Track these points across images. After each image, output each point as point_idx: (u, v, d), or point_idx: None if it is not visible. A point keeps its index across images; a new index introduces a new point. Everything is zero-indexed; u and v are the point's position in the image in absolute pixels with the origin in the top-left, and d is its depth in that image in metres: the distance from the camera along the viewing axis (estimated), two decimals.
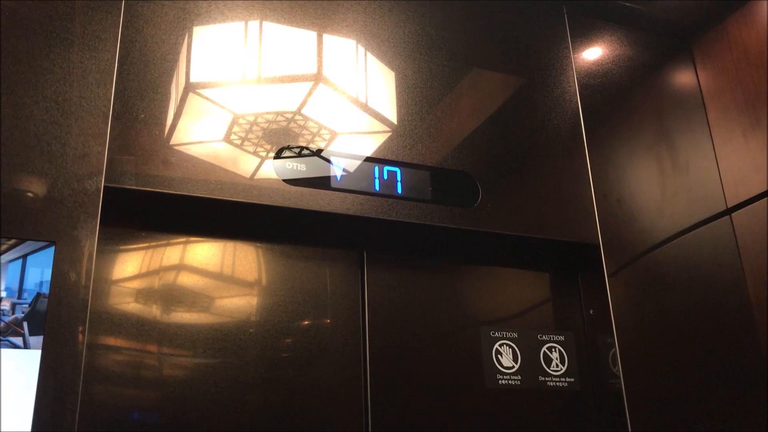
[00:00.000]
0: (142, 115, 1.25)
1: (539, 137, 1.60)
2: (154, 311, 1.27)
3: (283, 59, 1.42)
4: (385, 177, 1.41)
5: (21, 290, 1.04)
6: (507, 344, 1.51)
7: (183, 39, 1.35)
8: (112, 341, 1.23)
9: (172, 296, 1.30)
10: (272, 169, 1.32)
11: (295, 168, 1.34)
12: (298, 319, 1.37)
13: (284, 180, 1.32)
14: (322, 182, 1.35)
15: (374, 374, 1.38)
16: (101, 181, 1.14)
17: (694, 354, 1.53)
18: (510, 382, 1.48)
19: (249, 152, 1.32)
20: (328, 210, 1.33)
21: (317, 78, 1.44)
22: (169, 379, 1.25)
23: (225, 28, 1.40)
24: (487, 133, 1.55)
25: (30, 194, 1.09)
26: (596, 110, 1.68)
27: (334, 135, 1.41)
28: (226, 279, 1.35)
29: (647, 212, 1.62)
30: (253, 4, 1.44)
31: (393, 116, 1.48)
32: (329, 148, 1.39)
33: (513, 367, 1.50)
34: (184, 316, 1.29)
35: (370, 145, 1.44)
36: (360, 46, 1.51)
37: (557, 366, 1.54)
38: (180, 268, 1.33)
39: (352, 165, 1.39)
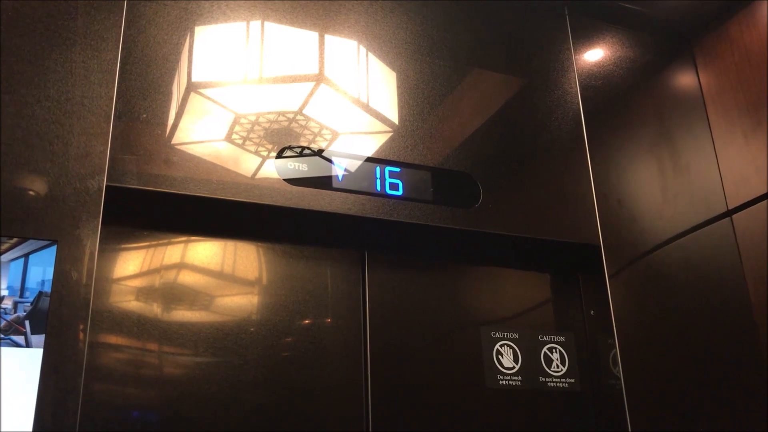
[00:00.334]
0: (144, 115, 1.26)
1: (540, 138, 1.60)
2: (156, 310, 1.27)
3: (285, 59, 1.43)
4: (387, 177, 1.41)
5: (23, 289, 1.04)
6: (507, 345, 1.52)
7: (185, 39, 1.35)
8: (113, 340, 1.23)
9: (173, 295, 1.30)
10: (274, 169, 1.32)
11: (296, 168, 1.34)
12: (299, 319, 1.38)
13: (286, 180, 1.32)
14: (324, 182, 1.35)
15: (375, 374, 1.38)
16: (103, 180, 1.14)
17: (694, 355, 1.53)
18: (510, 382, 1.48)
19: (250, 152, 1.32)
20: (329, 210, 1.33)
21: (319, 78, 1.44)
22: (170, 377, 1.25)
23: (227, 29, 1.40)
24: (489, 133, 1.55)
25: (32, 193, 1.09)
26: (597, 111, 1.68)
27: (335, 135, 1.41)
28: (227, 278, 1.36)
29: (648, 213, 1.62)
30: (255, 4, 1.44)
31: (394, 117, 1.48)
32: (331, 148, 1.39)
33: (513, 367, 1.50)
34: (185, 315, 1.29)
35: (372, 146, 1.44)
36: (361, 47, 1.51)
37: (558, 367, 1.54)
38: (181, 267, 1.33)
39: (354, 165, 1.40)
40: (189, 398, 1.24)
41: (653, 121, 1.73)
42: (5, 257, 1.05)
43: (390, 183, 1.41)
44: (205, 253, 1.36)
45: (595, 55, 1.76)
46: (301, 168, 1.34)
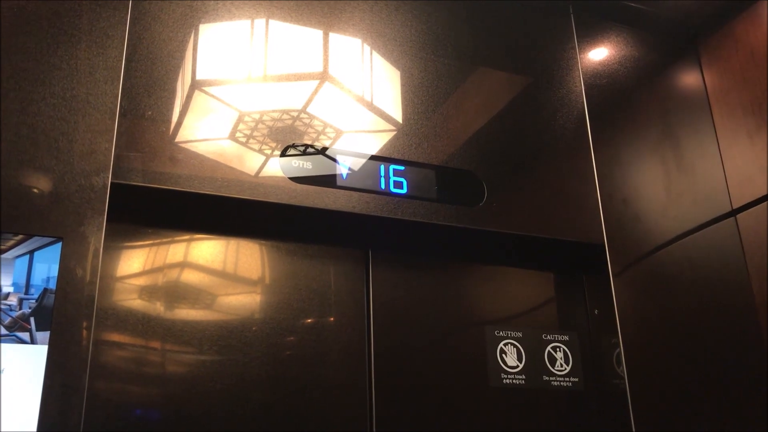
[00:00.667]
0: (149, 112, 1.26)
1: (545, 137, 1.60)
2: (160, 308, 1.28)
3: (289, 57, 1.43)
4: (391, 175, 1.41)
5: (28, 286, 1.04)
6: (511, 343, 1.51)
7: (190, 36, 1.35)
8: (117, 337, 1.23)
9: (177, 293, 1.30)
10: (278, 167, 1.32)
11: (301, 166, 1.34)
12: (302, 317, 1.37)
13: (290, 178, 1.32)
14: (328, 180, 1.35)
15: (379, 372, 1.38)
16: (108, 177, 1.14)
17: (698, 355, 1.53)
18: (514, 381, 1.48)
19: (254, 150, 1.32)
20: (333, 208, 1.33)
21: (323, 76, 1.44)
22: (174, 375, 1.25)
23: (232, 26, 1.40)
24: (493, 132, 1.55)
25: (37, 190, 1.09)
26: (602, 110, 1.68)
27: (339, 133, 1.41)
28: (231, 276, 1.36)
29: (652, 212, 1.62)
30: (260, 2, 1.44)
31: (399, 115, 1.48)
32: (335, 147, 1.39)
33: (517, 366, 1.50)
34: (189, 313, 1.29)
35: (376, 144, 1.44)
36: (366, 45, 1.51)
37: (561, 366, 1.54)
38: (186, 265, 1.33)
39: (358, 163, 1.39)
40: (193, 396, 1.24)
41: (658, 121, 1.72)
42: (10, 254, 1.05)
43: (394, 181, 1.40)
44: (209, 250, 1.36)
45: (599, 54, 1.76)
46: (305, 166, 1.34)
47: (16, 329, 1.01)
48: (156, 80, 1.28)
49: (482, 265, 1.58)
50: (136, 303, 1.26)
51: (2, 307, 1.02)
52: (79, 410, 1.00)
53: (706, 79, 1.81)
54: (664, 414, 1.45)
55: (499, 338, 1.51)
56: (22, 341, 1.01)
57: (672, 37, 1.86)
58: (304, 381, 1.33)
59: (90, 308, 1.06)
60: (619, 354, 1.47)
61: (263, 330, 1.33)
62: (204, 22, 1.37)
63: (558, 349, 1.55)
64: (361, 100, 1.46)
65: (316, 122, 1.40)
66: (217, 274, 1.35)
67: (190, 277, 1.33)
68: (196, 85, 1.33)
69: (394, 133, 1.46)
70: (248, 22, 1.42)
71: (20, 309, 1.03)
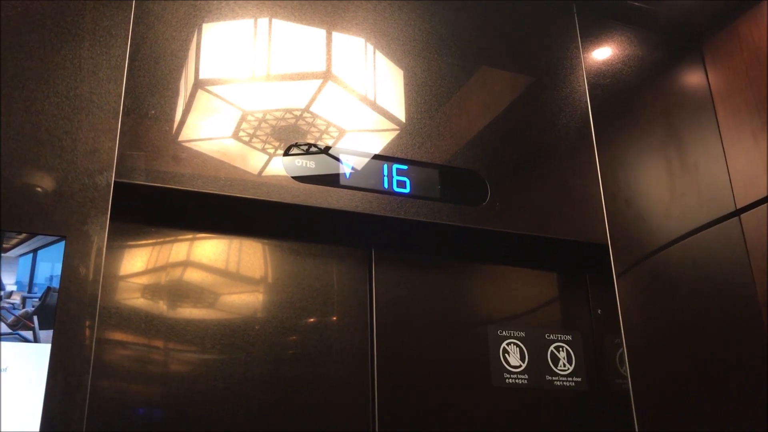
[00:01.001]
0: (153, 112, 1.26)
1: (548, 136, 1.60)
2: (163, 307, 1.28)
3: (292, 57, 1.43)
4: (394, 175, 1.41)
5: (31, 284, 1.04)
6: (514, 343, 1.51)
7: (193, 36, 1.35)
8: (120, 336, 1.23)
9: (180, 292, 1.30)
10: (281, 166, 1.32)
11: (304, 165, 1.34)
12: (305, 317, 1.38)
13: (293, 177, 1.32)
14: (331, 179, 1.35)
15: (381, 371, 1.38)
16: (111, 176, 1.15)
17: (701, 355, 1.52)
18: (517, 381, 1.48)
19: (257, 149, 1.33)
20: (336, 207, 1.33)
21: (326, 76, 1.44)
22: (176, 374, 1.25)
23: (235, 26, 1.40)
24: (496, 131, 1.55)
25: (41, 189, 1.10)
26: (605, 110, 1.68)
27: (342, 133, 1.41)
28: (234, 275, 1.36)
29: (656, 212, 1.61)
30: (263, 2, 1.44)
31: (402, 114, 1.48)
32: (338, 146, 1.39)
33: (520, 366, 1.50)
34: (192, 312, 1.30)
35: (379, 143, 1.44)
36: (369, 44, 1.51)
37: (564, 365, 1.54)
38: (189, 264, 1.33)
39: (361, 163, 1.39)
40: (195, 395, 1.24)
41: (661, 120, 1.72)
42: (14, 252, 1.05)
43: (397, 180, 1.40)
44: (212, 250, 1.36)
45: (603, 54, 1.75)
46: (308, 165, 1.34)
47: (19, 328, 1.02)
48: (159, 79, 1.28)
49: (485, 265, 1.58)
50: (139, 302, 1.27)
51: (6, 305, 1.02)
52: (81, 408, 1.01)
53: (710, 79, 1.80)
54: (666, 414, 1.45)
55: (502, 338, 1.51)
56: (26, 340, 1.01)
57: (676, 36, 1.86)
58: (307, 380, 1.33)
59: (93, 307, 1.06)
60: (622, 354, 1.47)
61: (266, 329, 1.33)
62: (207, 22, 1.37)
63: (561, 349, 1.55)
64: (364, 99, 1.46)
65: (319, 121, 1.40)
66: (220, 273, 1.35)
67: (193, 276, 1.33)
68: (199, 85, 1.33)
69: (397, 132, 1.46)
70: (251, 21, 1.42)
71: (23, 307, 1.03)
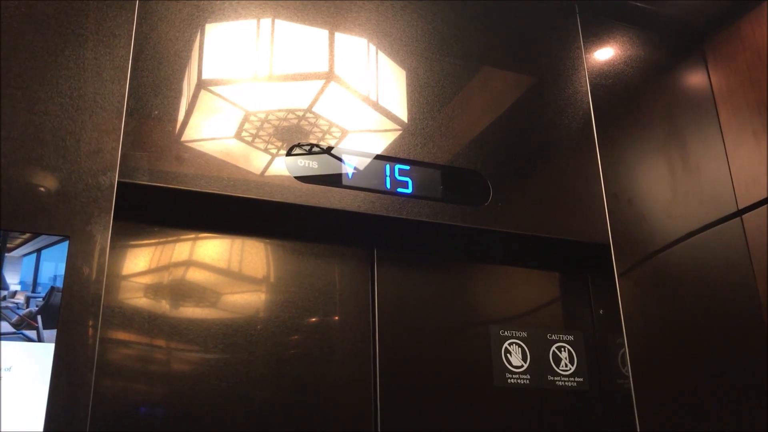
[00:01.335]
0: (156, 112, 1.26)
1: (550, 136, 1.60)
2: (166, 306, 1.28)
3: (295, 57, 1.43)
4: (396, 175, 1.41)
5: (35, 284, 1.05)
6: (516, 343, 1.51)
7: (196, 36, 1.36)
8: (124, 336, 1.24)
9: (183, 292, 1.30)
10: (284, 166, 1.33)
11: (306, 165, 1.34)
12: (307, 316, 1.38)
13: (296, 177, 1.32)
14: (334, 180, 1.35)
15: (384, 371, 1.38)
16: (115, 176, 1.15)
17: (703, 355, 1.52)
18: (519, 381, 1.48)
19: (260, 149, 1.33)
20: (339, 207, 1.33)
21: (329, 76, 1.45)
22: (179, 373, 1.26)
23: (238, 26, 1.41)
24: (499, 132, 1.55)
25: (44, 189, 1.10)
26: (608, 110, 1.68)
27: (345, 133, 1.41)
28: (237, 275, 1.36)
29: (658, 213, 1.62)
30: (266, 2, 1.44)
31: (404, 115, 1.48)
32: (340, 146, 1.39)
33: (522, 366, 1.50)
34: (195, 312, 1.30)
35: (381, 143, 1.44)
36: (372, 45, 1.51)
37: (566, 366, 1.54)
38: (191, 263, 1.34)
39: (363, 163, 1.40)
40: (198, 394, 1.25)
41: (664, 120, 1.72)
42: (18, 252, 1.05)
43: (399, 181, 1.41)
44: (214, 249, 1.36)
45: (605, 54, 1.75)
46: (311, 165, 1.35)
47: (23, 327, 1.02)
48: (163, 80, 1.29)
49: (487, 265, 1.58)
50: (142, 301, 1.27)
51: (10, 305, 1.03)
52: (85, 408, 1.01)
53: (712, 79, 1.80)
54: (668, 414, 1.45)
55: (503, 338, 1.51)
56: (30, 339, 1.02)
57: (678, 36, 1.86)
58: (309, 380, 1.33)
59: (96, 306, 1.06)
60: (624, 354, 1.47)
61: (268, 329, 1.34)
62: (210, 22, 1.38)
63: (563, 349, 1.55)
64: (366, 99, 1.46)
65: (321, 122, 1.40)
66: (222, 272, 1.35)
67: (195, 275, 1.33)
68: (202, 85, 1.33)
69: (400, 132, 1.46)
70: (254, 21, 1.43)
71: (27, 307, 1.03)
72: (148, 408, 1.22)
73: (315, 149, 1.37)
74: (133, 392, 1.22)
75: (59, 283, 1.05)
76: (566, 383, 1.53)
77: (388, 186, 1.39)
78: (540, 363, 1.52)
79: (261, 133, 1.34)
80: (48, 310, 1.04)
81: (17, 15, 1.18)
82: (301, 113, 1.39)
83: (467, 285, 1.54)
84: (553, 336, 1.56)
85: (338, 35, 1.49)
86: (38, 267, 1.05)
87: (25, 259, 1.05)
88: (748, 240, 1.62)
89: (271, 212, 1.35)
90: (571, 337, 1.57)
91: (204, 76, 1.34)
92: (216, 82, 1.34)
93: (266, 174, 1.31)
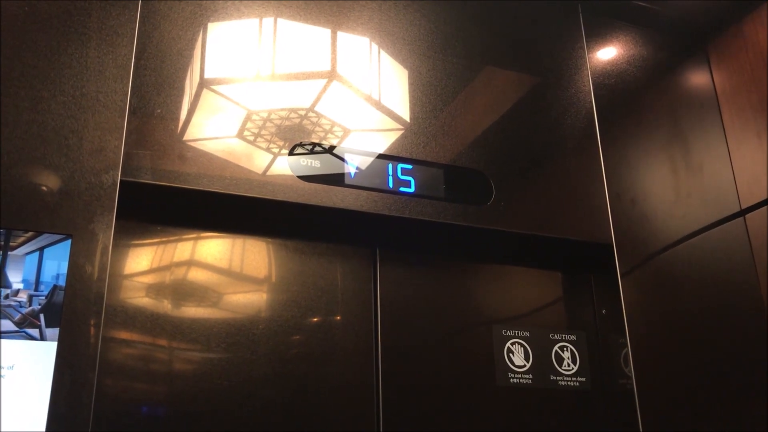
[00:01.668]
0: (159, 111, 1.26)
1: (553, 136, 1.60)
2: (168, 305, 1.28)
3: (297, 56, 1.43)
4: (399, 174, 1.41)
5: (38, 282, 1.05)
6: (519, 343, 1.51)
7: (199, 35, 1.36)
8: (126, 334, 1.24)
9: (185, 291, 1.30)
10: (286, 166, 1.33)
11: (309, 164, 1.34)
12: (310, 316, 1.38)
13: (298, 176, 1.32)
14: (336, 179, 1.35)
15: (386, 371, 1.38)
16: (117, 175, 1.15)
17: (706, 355, 1.52)
18: (521, 380, 1.48)
19: (262, 149, 1.33)
20: (341, 206, 1.33)
21: (331, 75, 1.45)
22: (181, 373, 1.26)
23: (240, 25, 1.41)
24: (501, 131, 1.55)
25: (47, 188, 1.10)
26: (610, 110, 1.68)
27: (347, 132, 1.41)
28: (239, 274, 1.36)
29: (660, 212, 1.61)
30: (269, 1, 1.44)
31: (406, 114, 1.48)
32: (343, 145, 1.39)
33: (524, 365, 1.50)
34: (197, 311, 1.30)
35: (384, 143, 1.44)
36: (374, 44, 1.51)
37: (569, 365, 1.54)
38: (194, 262, 1.34)
39: (366, 162, 1.40)
40: (200, 393, 1.25)
41: (666, 120, 1.72)
42: (20, 251, 1.05)
43: (402, 180, 1.41)
44: (217, 248, 1.36)
45: (608, 54, 1.75)
46: (313, 165, 1.35)
47: (26, 326, 1.02)
48: (165, 78, 1.29)
49: (490, 264, 1.58)
50: (144, 300, 1.27)
51: (12, 303, 1.03)
52: (88, 407, 1.01)
53: (715, 79, 1.80)
54: (671, 414, 1.45)
55: (506, 337, 1.51)
56: (32, 338, 1.02)
57: (681, 36, 1.85)
58: (312, 379, 1.33)
59: (99, 305, 1.06)
60: (626, 354, 1.47)
61: (270, 328, 1.34)
62: (213, 21, 1.38)
63: (565, 349, 1.55)
64: (369, 98, 1.46)
65: (324, 121, 1.40)
66: (224, 272, 1.35)
67: (198, 274, 1.33)
68: (204, 84, 1.33)
69: (402, 131, 1.46)
70: (257, 20, 1.43)
71: (30, 306, 1.03)
72: (151, 407, 1.22)
73: (317, 148, 1.37)
74: (135, 391, 1.22)
75: (62, 282, 1.05)
76: (569, 383, 1.52)
77: (391, 185, 1.39)
78: (542, 363, 1.52)
79: (263, 132, 1.34)
80: (50, 308, 1.04)
81: (20, 14, 1.18)
82: (303, 112, 1.39)
83: (470, 284, 1.54)
84: (556, 336, 1.56)
85: (340, 34, 1.49)
86: (41, 265, 1.05)
87: (28, 257, 1.05)
88: (750, 240, 1.62)
89: (273, 211, 1.35)
90: (573, 337, 1.57)
91: (206, 75, 1.34)
92: (218, 81, 1.34)
93: (268, 173, 1.31)
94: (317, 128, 1.39)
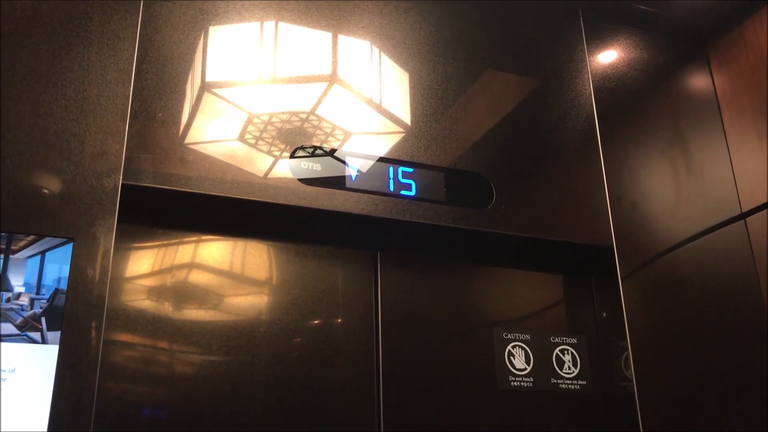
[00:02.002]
0: (160, 114, 1.26)
1: (554, 139, 1.60)
2: (169, 308, 1.28)
3: (298, 60, 1.43)
4: (400, 177, 1.41)
5: (39, 286, 1.05)
6: (519, 346, 1.51)
7: (200, 39, 1.36)
8: (127, 337, 1.24)
9: (187, 294, 1.30)
10: (287, 169, 1.33)
11: (310, 168, 1.34)
12: (311, 319, 1.38)
13: (299, 179, 1.32)
14: (337, 182, 1.35)
15: (387, 374, 1.38)
16: (119, 178, 1.15)
17: (707, 358, 1.52)
18: (522, 383, 1.48)
19: (263, 152, 1.33)
20: (342, 210, 1.34)
21: (332, 78, 1.45)
22: (183, 376, 1.26)
23: (241, 29, 1.41)
24: (502, 134, 1.55)
25: (48, 191, 1.10)
26: (611, 113, 1.68)
27: (348, 135, 1.42)
28: (240, 277, 1.36)
29: (661, 215, 1.61)
30: (270, 4, 1.45)
31: (407, 117, 1.48)
32: (343, 149, 1.39)
33: (525, 368, 1.50)
34: (198, 314, 1.30)
35: (385, 146, 1.44)
36: (375, 48, 1.52)
37: (569, 368, 1.54)
38: (195, 265, 1.34)
39: (367, 165, 1.40)
40: (201, 396, 1.25)
41: (667, 123, 1.72)
42: (22, 254, 1.06)
43: (403, 183, 1.41)
44: (218, 251, 1.36)
45: (609, 57, 1.75)
46: (314, 168, 1.35)
47: (27, 329, 1.02)
48: (167, 82, 1.29)
49: (490, 267, 1.58)
50: (145, 303, 1.27)
51: (14, 306, 1.03)
52: (89, 409, 1.01)
53: (715, 82, 1.80)
54: (672, 417, 1.45)
55: (507, 340, 1.51)
56: (34, 341, 1.02)
57: (681, 39, 1.86)
58: (312, 382, 1.33)
59: (100, 308, 1.06)
60: (627, 357, 1.47)
61: (271, 331, 1.34)
62: (214, 25, 1.38)
63: (566, 352, 1.55)
64: (369, 102, 1.47)
65: (324, 124, 1.40)
66: (225, 275, 1.36)
67: (199, 277, 1.33)
68: (206, 87, 1.33)
69: (403, 135, 1.46)
70: (258, 24, 1.43)
71: (31, 309, 1.03)
72: (152, 410, 1.22)
73: (318, 152, 1.37)
74: (136, 394, 1.22)
75: (63, 285, 1.05)
76: (569, 386, 1.52)
77: (392, 188, 1.39)
78: (543, 366, 1.52)
79: (264, 135, 1.35)
80: (52, 311, 1.04)
81: (22, 18, 1.18)
82: (304, 116, 1.39)
83: (470, 287, 1.54)
84: (557, 339, 1.56)
85: (341, 38, 1.49)
86: (42, 269, 1.06)
87: (30, 261, 1.06)
88: (751, 243, 1.62)
89: (274, 214, 1.35)
90: (574, 340, 1.57)
91: (208, 79, 1.34)
92: (219, 85, 1.35)
93: (270, 176, 1.31)
94: (318, 131, 1.39)
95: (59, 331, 1.03)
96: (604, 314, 1.60)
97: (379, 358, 1.39)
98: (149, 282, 1.29)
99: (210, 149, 1.29)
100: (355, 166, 1.39)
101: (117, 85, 1.21)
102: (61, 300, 1.05)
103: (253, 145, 1.33)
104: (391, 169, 1.41)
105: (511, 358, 1.50)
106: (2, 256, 1.05)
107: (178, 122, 1.28)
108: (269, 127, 1.36)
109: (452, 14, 1.62)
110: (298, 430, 1.29)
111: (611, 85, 1.71)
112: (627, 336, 1.47)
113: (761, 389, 1.50)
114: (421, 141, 1.47)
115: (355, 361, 1.38)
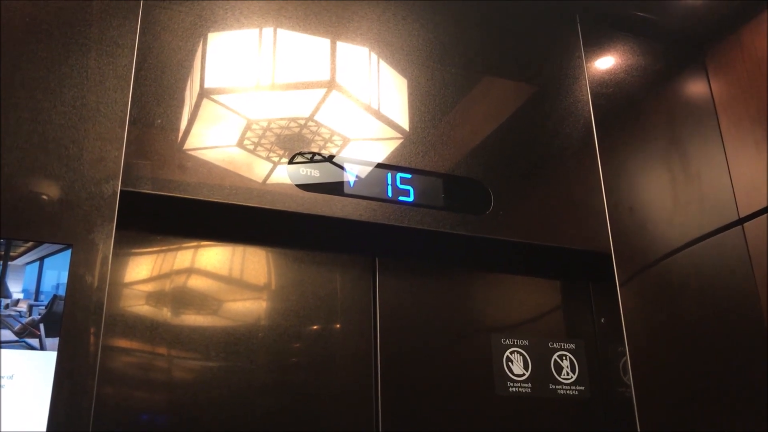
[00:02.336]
0: (159, 121, 1.27)
1: (552, 145, 1.60)
2: (168, 314, 1.28)
3: (297, 66, 1.43)
4: (398, 183, 1.41)
5: (38, 292, 1.05)
6: (518, 351, 1.51)
7: (199, 45, 1.36)
8: (126, 344, 1.24)
9: (185, 300, 1.31)
10: (286, 175, 1.33)
11: (308, 174, 1.35)
12: (309, 324, 1.38)
13: (298, 185, 1.33)
14: (336, 188, 1.35)
15: (385, 380, 1.38)
16: (118, 185, 1.15)
17: (705, 363, 1.52)
18: (520, 389, 1.48)
19: (262, 158, 1.33)
20: (341, 216, 1.34)
21: (330, 85, 1.45)
22: (181, 381, 1.26)
23: (240, 35, 1.41)
24: (500, 140, 1.56)
25: (47, 197, 1.10)
26: (608, 119, 1.68)
27: (346, 141, 1.42)
28: (239, 283, 1.36)
29: (659, 221, 1.62)
30: (268, 11, 1.45)
31: (405, 123, 1.49)
32: (342, 155, 1.40)
33: (523, 374, 1.50)
34: (197, 320, 1.30)
35: (383, 152, 1.44)
36: (373, 54, 1.52)
37: (568, 374, 1.54)
38: (193, 271, 1.34)
39: (365, 171, 1.40)
40: (200, 402, 1.25)
41: (664, 129, 1.72)
42: (21, 261, 1.06)
43: (401, 189, 1.41)
44: (216, 258, 1.37)
45: (606, 63, 1.76)
46: (313, 174, 1.35)
47: (25, 335, 1.02)
48: (165, 89, 1.29)
49: (489, 273, 1.58)
50: (144, 309, 1.27)
51: (12, 313, 1.03)
52: (87, 415, 1.01)
53: (712, 88, 1.81)
54: (670, 423, 1.45)
55: (505, 346, 1.51)
56: (32, 347, 1.02)
57: (679, 45, 1.86)
58: (311, 388, 1.33)
59: (99, 315, 1.06)
60: (625, 362, 1.47)
61: (270, 337, 1.34)
62: (213, 31, 1.39)
63: (564, 358, 1.55)
64: (368, 108, 1.47)
65: (323, 130, 1.41)
66: (224, 281, 1.36)
67: (197, 283, 1.33)
68: (204, 94, 1.34)
69: (401, 141, 1.47)
70: (256, 31, 1.43)
71: (30, 315, 1.03)
72: (150, 416, 1.22)
73: (317, 158, 1.37)
74: (135, 400, 1.22)
75: (62, 292, 1.05)
76: (567, 392, 1.52)
77: (390, 194, 1.40)
78: (541, 371, 1.52)
79: (263, 141, 1.35)
80: (50, 318, 1.04)
81: (21, 24, 1.19)
82: (302, 122, 1.40)
83: (469, 293, 1.54)
84: (555, 344, 1.56)
85: (340, 44, 1.49)
86: (41, 275, 1.06)
87: (28, 267, 1.06)
88: (749, 248, 1.62)
89: (272, 220, 1.35)
90: (572, 346, 1.57)
91: (206, 85, 1.34)
92: (218, 91, 1.35)
93: (268, 182, 1.32)
94: (317, 137, 1.40)
95: (57, 338, 1.03)
96: (602, 320, 1.60)
97: (377, 363, 1.39)
98: (148, 288, 1.29)
99: (208, 155, 1.29)
100: (353, 172, 1.39)
101: (116, 92, 1.21)
102: (59, 306, 1.05)
103: (252, 151, 1.33)
104: (389, 175, 1.42)
105: (510, 363, 1.50)
106: (1, 262, 1.05)
107: (177, 128, 1.28)
108: (268, 133, 1.36)
109: (450, 21, 1.63)
110: None
111: (608, 91, 1.72)
112: (625, 341, 1.47)
113: (760, 393, 1.50)
114: (420, 147, 1.47)
115: (353, 367, 1.38)
